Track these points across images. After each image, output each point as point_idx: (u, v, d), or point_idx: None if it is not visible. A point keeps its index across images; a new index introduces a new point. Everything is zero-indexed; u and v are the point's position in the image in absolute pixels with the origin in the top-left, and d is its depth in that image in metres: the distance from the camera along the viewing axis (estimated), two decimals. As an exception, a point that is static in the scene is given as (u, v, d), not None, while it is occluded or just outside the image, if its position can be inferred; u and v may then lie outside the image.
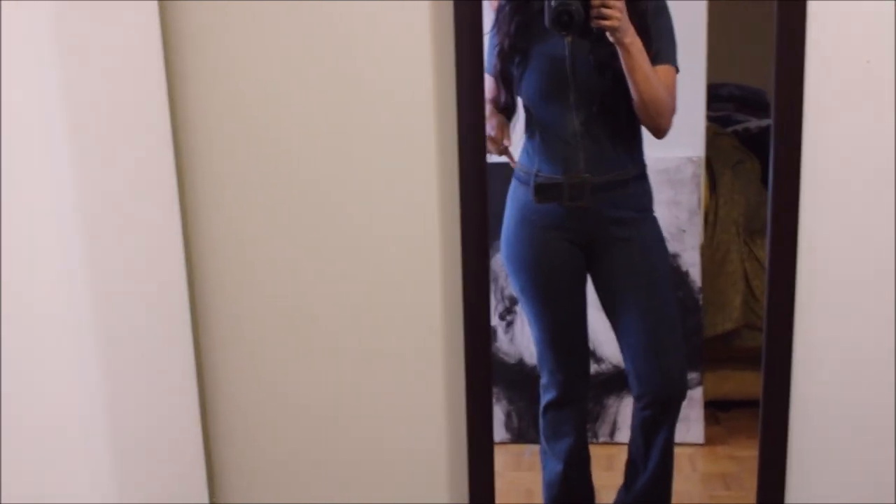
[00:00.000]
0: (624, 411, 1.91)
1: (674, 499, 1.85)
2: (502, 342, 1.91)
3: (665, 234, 1.79)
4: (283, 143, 1.61)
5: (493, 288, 1.83)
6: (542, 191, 1.75)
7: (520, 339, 1.91)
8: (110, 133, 1.37)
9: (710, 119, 1.81)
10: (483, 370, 1.65)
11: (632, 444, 1.86)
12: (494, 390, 1.77)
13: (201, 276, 1.67)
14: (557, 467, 1.88)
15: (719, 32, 1.70)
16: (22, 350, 1.26)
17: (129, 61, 1.44)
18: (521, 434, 1.94)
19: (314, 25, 1.55)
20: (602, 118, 1.71)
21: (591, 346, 1.87)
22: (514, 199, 1.79)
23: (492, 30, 1.72)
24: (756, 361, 1.63)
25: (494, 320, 1.88)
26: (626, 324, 1.81)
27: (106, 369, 1.34)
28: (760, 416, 1.64)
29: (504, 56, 1.73)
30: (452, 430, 1.70)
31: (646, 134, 1.72)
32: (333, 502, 1.74)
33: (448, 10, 1.52)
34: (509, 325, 1.91)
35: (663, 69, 1.68)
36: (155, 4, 1.50)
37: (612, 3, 1.59)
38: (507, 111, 1.76)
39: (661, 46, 1.67)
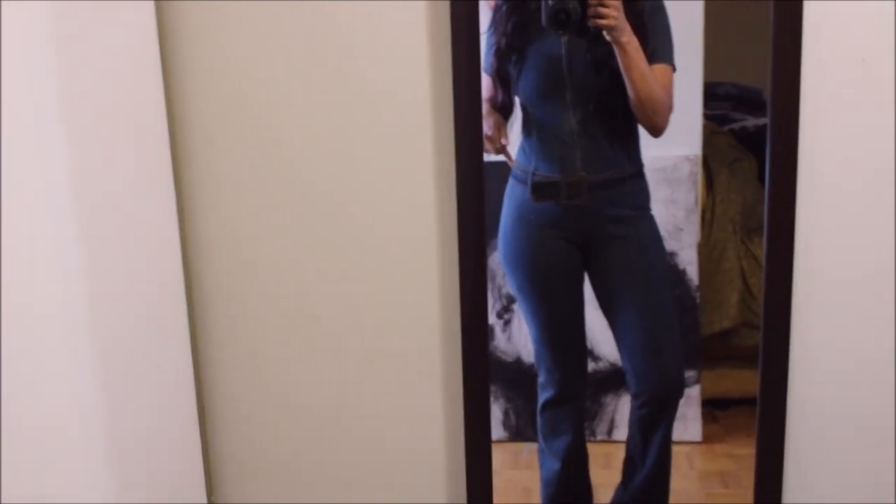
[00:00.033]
0: (621, 409, 1.91)
1: (671, 497, 1.85)
2: (500, 341, 1.91)
3: (662, 232, 1.79)
4: (279, 143, 1.61)
5: (490, 286, 1.83)
6: (540, 189, 1.75)
7: (517, 338, 1.90)
8: (107, 133, 1.37)
9: (706, 117, 1.81)
10: (481, 368, 1.65)
11: (629, 443, 1.86)
12: (492, 388, 1.77)
13: (198, 276, 1.67)
14: (555, 465, 1.88)
15: (716, 31, 1.70)
16: (20, 350, 1.26)
17: (126, 61, 1.44)
18: (519, 432, 1.94)
19: (310, 25, 1.55)
20: (599, 117, 1.71)
21: (588, 344, 1.87)
22: (512, 197, 1.79)
23: (489, 29, 1.72)
24: (754, 359, 1.63)
25: (492, 319, 1.88)
26: (624, 322, 1.81)
27: (104, 369, 1.34)
28: (757, 414, 1.64)
29: (501, 55, 1.73)
30: (450, 429, 1.70)
31: (643, 132, 1.72)
32: (331, 501, 1.74)
33: (444, 9, 1.52)
34: (507, 323, 1.91)
35: (660, 68, 1.68)
36: (151, 4, 1.50)
37: (608, 2, 1.60)
38: (504, 110, 1.76)
39: (657, 45, 1.68)
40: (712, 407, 1.92)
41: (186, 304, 1.63)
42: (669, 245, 1.82)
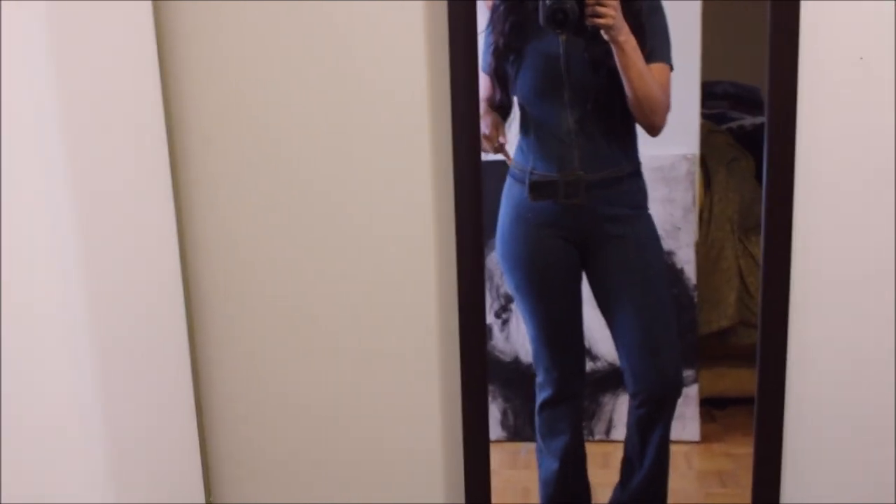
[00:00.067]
0: (620, 409, 1.91)
1: (670, 496, 1.85)
2: (498, 340, 1.91)
3: (660, 231, 1.79)
4: (277, 143, 1.61)
5: (488, 286, 1.83)
6: (537, 188, 1.75)
7: (515, 338, 1.90)
8: (105, 133, 1.37)
9: (704, 116, 1.81)
10: (478, 368, 1.65)
11: (627, 442, 1.86)
12: (490, 388, 1.77)
13: (196, 276, 1.67)
14: (553, 465, 1.88)
15: (713, 30, 1.70)
16: (18, 350, 1.26)
17: (124, 61, 1.44)
18: (517, 432, 1.94)
19: (308, 25, 1.55)
20: (596, 116, 1.72)
21: (586, 343, 1.87)
22: (509, 196, 1.79)
23: (487, 28, 1.72)
24: (752, 358, 1.63)
25: (490, 318, 1.88)
26: (622, 321, 1.81)
27: (103, 369, 1.34)
28: (755, 414, 1.64)
29: (499, 55, 1.73)
30: (448, 429, 1.70)
31: (640, 131, 1.72)
32: (329, 501, 1.74)
33: (442, 9, 1.52)
34: (505, 323, 1.91)
35: (657, 67, 1.68)
36: (149, 4, 1.50)
37: (606, 1, 1.60)
38: (502, 110, 1.76)
39: (655, 44, 1.68)
40: (710, 406, 1.92)
41: (185, 304, 1.63)
42: (667, 244, 1.82)
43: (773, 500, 1.66)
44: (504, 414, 1.93)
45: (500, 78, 1.75)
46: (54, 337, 1.28)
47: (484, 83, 1.68)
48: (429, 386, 1.69)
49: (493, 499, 1.72)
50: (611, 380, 1.90)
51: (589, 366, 1.90)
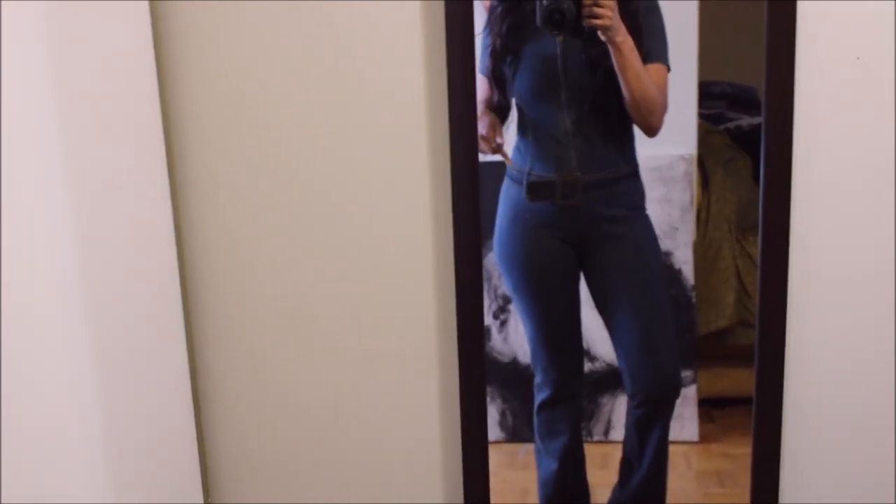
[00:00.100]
0: (618, 409, 1.91)
1: (668, 497, 1.85)
2: (496, 341, 1.91)
3: (657, 231, 1.79)
4: (275, 143, 1.61)
5: (486, 287, 1.83)
6: (535, 189, 1.75)
7: (514, 338, 1.90)
8: (102, 133, 1.37)
9: (701, 117, 1.81)
10: (477, 369, 1.65)
11: (626, 443, 1.86)
12: (488, 389, 1.77)
13: (194, 276, 1.67)
14: (552, 466, 1.88)
15: (711, 30, 1.70)
16: (18, 350, 1.26)
17: (121, 61, 1.44)
18: (516, 433, 1.94)
19: (305, 25, 1.56)
20: (594, 117, 1.72)
21: (584, 344, 1.87)
22: (507, 197, 1.79)
23: (484, 30, 1.72)
24: (750, 358, 1.63)
25: (488, 319, 1.88)
26: (620, 322, 1.81)
27: (101, 369, 1.34)
28: (753, 414, 1.64)
29: (496, 56, 1.74)
30: (447, 430, 1.70)
31: (638, 132, 1.72)
32: (328, 501, 1.74)
33: (439, 10, 1.52)
34: (503, 324, 1.91)
35: (655, 68, 1.68)
36: (146, 4, 1.50)
37: (603, 2, 1.60)
38: (500, 111, 1.76)
39: (652, 45, 1.68)
40: (709, 406, 1.92)
41: (183, 303, 1.63)
42: (665, 244, 1.82)
43: (771, 500, 1.66)
44: (502, 415, 1.93)
45: (497, 79, 1.75)
46: (53, 337, 1.28)
47: (482, 84, 1.68)
48: (427, 387, 1.69)
49: (492, 499, 1.72)
50: (609, 380, 1.90)
51: (587, 366, 1.90)
